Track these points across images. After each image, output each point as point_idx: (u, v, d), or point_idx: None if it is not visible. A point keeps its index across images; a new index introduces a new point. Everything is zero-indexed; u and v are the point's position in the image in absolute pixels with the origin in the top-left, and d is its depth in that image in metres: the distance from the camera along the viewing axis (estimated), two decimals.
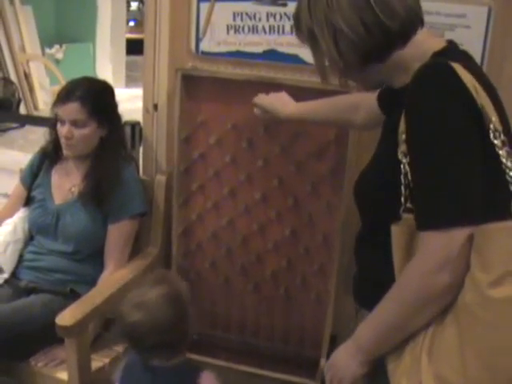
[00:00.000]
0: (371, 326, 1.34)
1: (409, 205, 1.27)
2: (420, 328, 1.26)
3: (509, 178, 1.23)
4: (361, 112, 1.88)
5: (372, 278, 1.44)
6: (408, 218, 1.26)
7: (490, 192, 1.21)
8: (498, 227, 1.15)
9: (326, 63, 1.42)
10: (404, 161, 1.28)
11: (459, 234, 1.17)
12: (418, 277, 1.22)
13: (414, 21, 1.35)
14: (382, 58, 1.35)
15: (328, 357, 2.28)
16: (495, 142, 1.22)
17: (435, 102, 1.22)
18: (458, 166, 1.19)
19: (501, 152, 1.22)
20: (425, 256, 1.21)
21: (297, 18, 1.42)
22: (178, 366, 1.76)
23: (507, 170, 1.23)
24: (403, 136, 1.27)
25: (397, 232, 1.28)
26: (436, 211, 1.21)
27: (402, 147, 1.28)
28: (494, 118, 1.22)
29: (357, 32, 1.30)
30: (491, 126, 1.21)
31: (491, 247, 1.14)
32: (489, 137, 1.22)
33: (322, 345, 2.40)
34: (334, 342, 2.38)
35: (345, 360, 1.39)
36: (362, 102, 1.86)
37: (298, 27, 1.43)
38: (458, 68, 1.22)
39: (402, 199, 1.28)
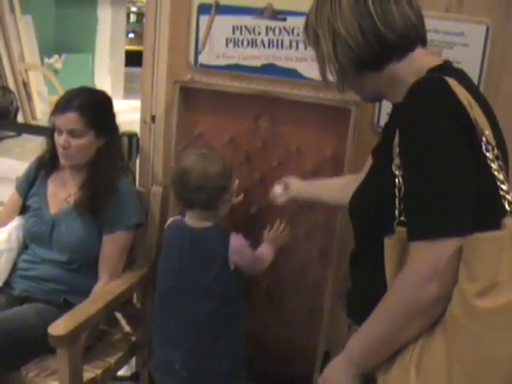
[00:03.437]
0: (362, 339, 1.34)
1: (403, 218, 1.28)
2: (410, 341, 1.25)
3: (501, 192, 1.23)
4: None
5: (365, 294, 1.43)
6: (401, 231, 1.26)
7: (481, 205, 1.21)
8: (485, 237, 1.15)
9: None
10: (398, 173, 1.29)
11: (447, 245, 1.17)
12: (407, 288, 1.22)
13: (412, 36, 1.39)
14: (377, 68, 1.40)
15: (321, 372, 2.29)
16: (487, 154, 1.23)
17: (428, 115, 1.24)
18: (448, 179, 1.20)
19: (492, 165, 1.24)
20: (414, 267, 1.21)
21: (306, 20, 1.48)
22: (210, 227, 2.12)
23: (499, 183, 1.24)
24: (397, 149, 1.29)
25: (389, 245, 1.29)
26: (424, 222, 1.21)
27: (397, 160, 1.29)
28: (488, 132, 1.24)
29: (354, 37, 1.36)
30: (483, 139, 1.23)
31: (478, 257, 1.14)
32: (481, 150, 1.23)
33: (315, 360, 2.39)
34: (328, 358, 2.37)
35: (337, 374, 1.38)
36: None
37: (306, 29, 1.48)
38: (453, 83, 1.25)
39: (396, 212, 1.29)
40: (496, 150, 1.24)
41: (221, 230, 2.13)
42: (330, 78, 1.48)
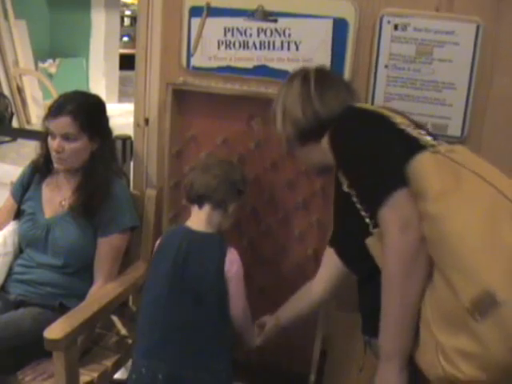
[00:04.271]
0: (386, 330, 1.44)
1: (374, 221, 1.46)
2: (420, 298, 1.37)
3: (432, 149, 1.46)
4: (321, 289, 2.02)
5: (375, 309, 1.48)
6: (378, 230, 1.44)
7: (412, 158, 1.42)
8: (417, 158, 1.39)
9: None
10: (349, 189, 1.54)
11: (400, 194, 1.38)
12: (393, 248, 1.37)
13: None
14: (317, 139, 1.73)
15: (318, 371, 2.30)
16: (402, 127, 1.52)
17: (346, 124, 1.60)
18: (379, 152, 1.46)
19: (408, 130, 1.52)
20: (389, 228, 1.38)
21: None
22: (212, 234, 2.10)
23: (428, 143, 1.49)
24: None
25: (372, 242, 1.47)
26: (377, 191, 1.42)
27: (344, 181, 1.57)
28: (403, 120, 1.56)
29: (295, 113, 1.76)
30: (396, 121, 1.53)
31: (420, 176, 1.36)
32: (397, 125, 1.52)
33: (312, 360, 2.39)
34: (325, 358, 2.38)
35: (385, 377, 1.45)
36: (319, 285, 2.02)
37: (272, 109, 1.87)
38: (357, 105, 1.70)
39: (368, 220, 1.48)
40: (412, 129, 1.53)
41: (221, 239, 2.10)
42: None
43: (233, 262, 2.05)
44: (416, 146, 1.46)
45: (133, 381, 2.05)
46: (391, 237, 1.37)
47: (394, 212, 1.37)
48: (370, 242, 1.47)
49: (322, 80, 1.79)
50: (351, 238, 1.59)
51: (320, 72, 1.83)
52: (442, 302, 1.29)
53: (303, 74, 1.82)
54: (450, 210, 1.28)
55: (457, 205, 1.28)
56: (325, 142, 1.66)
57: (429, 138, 1.50)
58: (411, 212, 1.35)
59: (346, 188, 1.55)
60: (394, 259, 1.37)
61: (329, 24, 2.18)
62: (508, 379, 1.25)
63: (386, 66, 2.16)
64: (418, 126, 1.58)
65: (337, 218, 1.73)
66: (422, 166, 1.37)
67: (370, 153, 1.47)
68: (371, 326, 1.54)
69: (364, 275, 1.63)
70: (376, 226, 1.44)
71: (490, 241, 1.22)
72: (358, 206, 1.50)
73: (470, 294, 1.21)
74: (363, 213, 1.49)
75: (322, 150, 1.68)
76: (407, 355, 1.42)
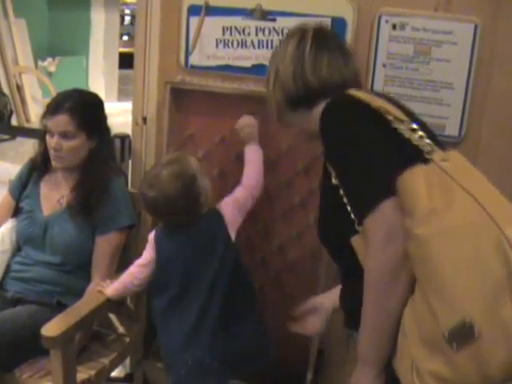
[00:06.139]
0: (364, 334, 1.41)
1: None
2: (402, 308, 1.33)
3: (415, 146, 1.41)
4: None
5: (357, 302, 1.44)
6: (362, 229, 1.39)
7: (403, 166, 1.35)
8: (406, 174, 1.32)
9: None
10: (337, 182, 1.47)
11: (386, 206, 1.31)
12: (374, 260, 1.34)
13: (336, 83, 1.65)
14: (308, 106, 1.67)
15: (315, 371, 2.30)
16: (395, 126, 1.44)
17: (338, 116, 1.51)
18: (368, 156, 1.40)
19: (403, 129, 1.44)
20: (372, 239, 1.34)
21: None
22: (203, 215, 2.12)
23: (414, 142, 1.42)
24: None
25: (357, 242, 1.43)
26: (363, 200, 1.37)
27: (333, 172, 1.50)
28: (398, 113, 1.47)
29: (286, 78, 1.67)
30: (390, 118, 1.45)
31: (407, 193, 1.30)
32: (391, 124, 1.44)
33: (309, 359, 2.39)
34: (322, 357, 2.38)
35: (359, 380, 1.43)
36: None
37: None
38: (352, 91, 1.55)
39: (353, 216, 1.41)
40: (410, 125, 1.45)
41: (211, 210, 2.13)
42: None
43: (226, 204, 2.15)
44: (409, 151, 1.41)
45: (182, 376, 2.08)
46: (374, 248, 1.34)
47: (378, 223, 1.33)
48: (354, 241, 1.44)
49: (318, 44, 1.68)
50: (338, 231, 1.53)
51: (318, 34, 1.71)
52: (422, 321, 1.25)
53: (300, 34, 1.71)
54: (436, 234, 1.22)
55: (443, 229, 1.22)
56: (316, 116, 1.57)
57: (424, 142, 1.43)
58: (396, 224, 1.30)
59: (334, 180, 1.49)
60: (375, 270, 1.34)
61: (327, 23, 2.17)
62: None
63: (384, 66, 2.16)
64: (415, 120, 1.51)
65: (323, 209, 1.67)
66: (412, 181, 1.31)
67: (360, 155, 1.41)
68: (353, 320, 1.50)
69: (348, 270, 1.59)
70: (361, 223, 1.38)
71: (473, 269, 1.16)
72: (345, 200, 1.44)
73: (449, 322, 1.16)
74: (349, 208, 1.43)
75: (314, 121, 1.58)
76: (384, 362, 1.39)
